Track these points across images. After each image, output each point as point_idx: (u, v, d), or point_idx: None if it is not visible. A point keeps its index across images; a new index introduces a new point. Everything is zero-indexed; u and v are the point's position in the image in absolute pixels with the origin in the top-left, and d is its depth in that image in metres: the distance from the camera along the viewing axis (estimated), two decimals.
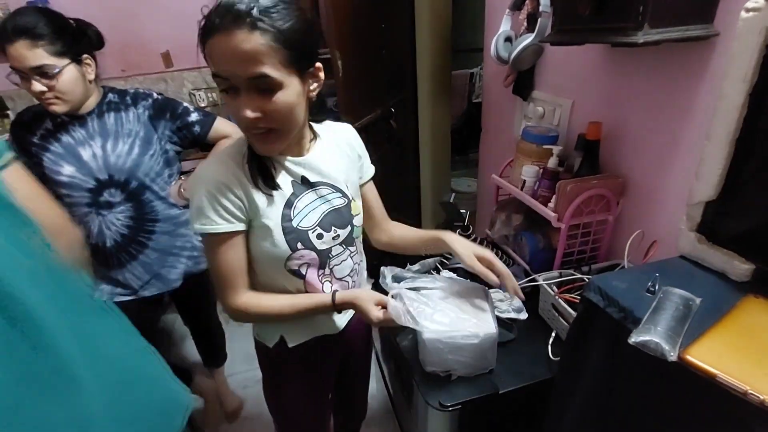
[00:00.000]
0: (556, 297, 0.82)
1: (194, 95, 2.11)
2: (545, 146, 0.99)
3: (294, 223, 0.70)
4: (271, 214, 0.69)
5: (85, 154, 1.11)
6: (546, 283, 0.85)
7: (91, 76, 1.09)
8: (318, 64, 0.64)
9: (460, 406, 0.70)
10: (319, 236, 0.73)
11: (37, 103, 1.09)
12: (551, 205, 0.91)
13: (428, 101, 2.03)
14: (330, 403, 1.04)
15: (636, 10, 0.64)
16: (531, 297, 0.93)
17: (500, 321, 0.84)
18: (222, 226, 0.66)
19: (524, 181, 1.00)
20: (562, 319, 0.82)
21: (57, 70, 0.98)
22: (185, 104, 1.25)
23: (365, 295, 0.73)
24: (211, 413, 1.68)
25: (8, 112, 1.98)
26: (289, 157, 0.70)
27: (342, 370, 1.02)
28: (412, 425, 0.87)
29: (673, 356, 0.46)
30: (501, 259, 1.05)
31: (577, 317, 0.65)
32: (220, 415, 1.70)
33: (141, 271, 1.26)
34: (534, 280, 0.90)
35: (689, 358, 0.46)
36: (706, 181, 0.60)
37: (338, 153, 0.78)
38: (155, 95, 1.20)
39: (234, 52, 0.54)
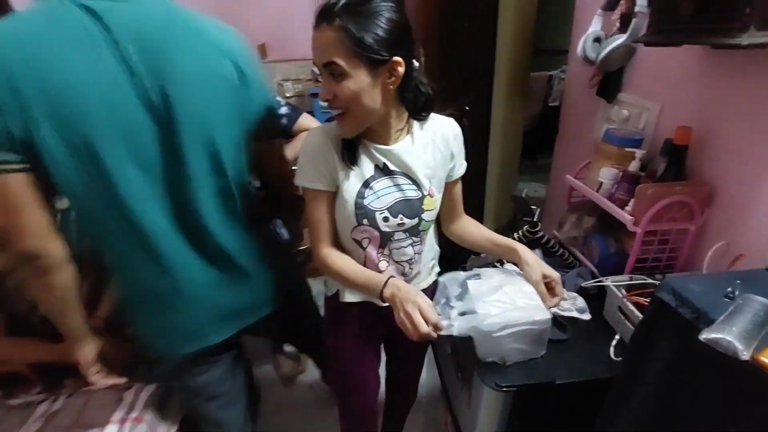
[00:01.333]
0: (624, 299, 0.81)
1: (282, 85, 2.29)
2: (627, 149, 0.97)
3: (365, 202, 0.78)
4: (349, 188, 0.77)
5: None
6: (614, 284, 0.85)
7: None
8: (396, 59, 0.68)
9: (515, 389, 0.73)
10: (385, 219, 0.79)
11: None
12: (628, 208, 0.90)
13: (503, 101, 2.02)
14: (377, 377, 1.09)
15: (741, 11, 0.62)
16: (595, 299, 0.93)
17: (555, 321, 0.86)
18: (313, 183, 0.78)
19: (601, 183, 0.99)
20: (628, 323, 0.81)
21: None
22: (278, 99, 1.39)
23: (419, 305, 0.72)
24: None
25: None
26: (375, 144, 0.78)
27: (393, 348, 1.08)
28: (464, 408, 0.90)
29: (745, 355, 0.46)
30: (567, 260, 1.06)
31: (646, 316, 0.65)
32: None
33: None
34: (601, 281, 0.89)
35: (764, 359, 0.46)
36: None
37: (430, 148, 0.81)
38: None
39: (317, 43, 0.66)
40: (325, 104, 0.71)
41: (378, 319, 0.92)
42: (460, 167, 0.89)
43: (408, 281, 0.87)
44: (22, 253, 0.68)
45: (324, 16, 0.64)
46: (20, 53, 0.59)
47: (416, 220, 0.82)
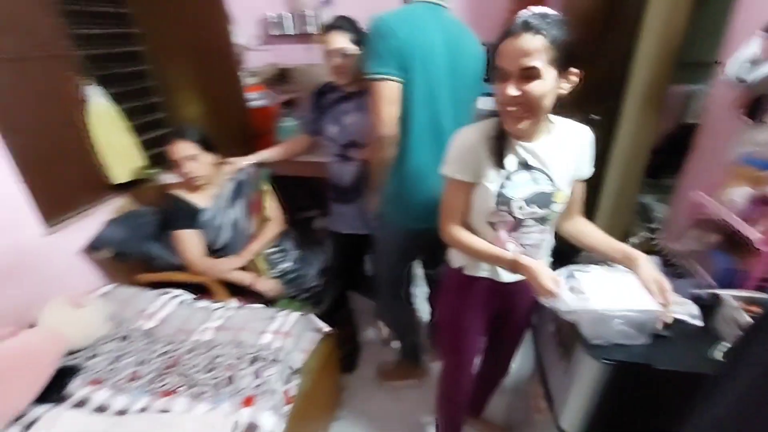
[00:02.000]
0: (740, 309, 0.86)
1: None
2: (766, 172, 0.99)
3: (505, 191, 0.92)
4: (493, 179, 0.92)
5: (346, 120, 1.57)
6: (729, 294, 0.90)
7: None
8: (574, 69, 0.83)
9: (615, 363, 0.85)
10: (520, 207, 0.93)
11: (329, 81, 1.59)
12: (759, 227, 0.93)
13: (634, 115, 1.99)
14: (479, 344, 1.26)
15: None
16: (707, 310, 0.97)
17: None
18: (455, 175, 0.95)
19: (733, 201, 1.02)
20: (740, 332, 0.86)
21: (350, 52, 1.42)
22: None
23: (543, 268, 0.86)
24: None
25: (289, 80, 2.74)
26: (520, 142, 0.91)
27: (499, 324, 1.23)
28: (561, 380, 1.02)
29: None
30: (680, 271, 1.10)
31: (757, 320, 0.72)
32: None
33: (354, 215, 1.71)
34: (717, 291, 0.94)
35: None
36: None
37: (566, 149, 0.92)
38: None
39: (516, 49, 0.79)
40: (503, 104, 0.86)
41: (492, 294, 1.08)
42: (587, 170, 1.00)
43: None
44: (381, 135, 1.22)
45: (526, 27, 0.78)
46: (406, 25, 1.15)
47: (547, 211, 0.94)
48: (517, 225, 0.96)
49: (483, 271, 1.06)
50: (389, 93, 1.18)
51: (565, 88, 0.84)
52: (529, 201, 0.93)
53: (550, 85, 0.80)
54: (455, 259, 1.13)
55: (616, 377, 0.87)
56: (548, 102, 0.83)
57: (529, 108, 0.82)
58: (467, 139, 0.93)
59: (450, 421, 1.46)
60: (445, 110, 1.27)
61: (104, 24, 1.64)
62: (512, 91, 0.81)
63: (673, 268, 1.11)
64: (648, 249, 1.12)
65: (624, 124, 2.01)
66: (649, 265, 0.87)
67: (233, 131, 1.93)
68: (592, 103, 1.76)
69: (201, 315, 1.49)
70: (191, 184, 1.58)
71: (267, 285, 1.61)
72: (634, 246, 1.10)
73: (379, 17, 1.16)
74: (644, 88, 1.90)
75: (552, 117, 0.92)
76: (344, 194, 1.69)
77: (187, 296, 1.62)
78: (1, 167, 1.31)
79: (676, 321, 0.95)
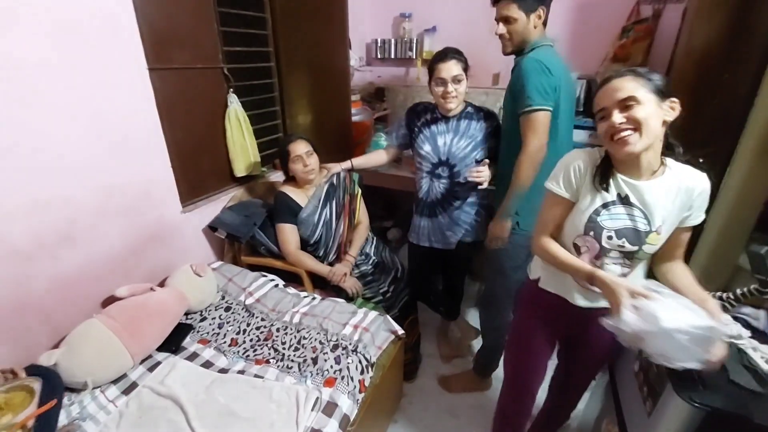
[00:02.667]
0: None
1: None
2: None
3: (599, 218, 0.96)
4: (589, 204, 0.97)
5: (440, 141, 1.67)
6: None
7: (466, 90, 1.62)
8: (674, 99, 0.88)
9: (708, 409, 0.82)
10: (609, 237, 0.96)
11: (426, 101, 1.71)
12: None
13: (747, 160, 1.84)
14: (544, 363, 1.26)
15: None
16: None
17: (754, 372, 0.90)
18: (557, 189, 1.02)
19: None
20: None
21: (462, 78, 1.54)
22: None
23: (621, 281, 0.88)
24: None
25: (384, 98, 2.96)
26: (625, 177, 0.94)
27: (571, 352, 1.22)
28: (642, 420, 1.00)
29: None
30: None
31: None
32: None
33: (434, 229, 1.79)
34: None
35: None
36: None
37: (673, 194, 0.93)
38: (499, 120, 1.65)
39: (614, 88, 0.88)
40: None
41: (563, 315, 1.10)
42: (697, 218, 0.97)
43: None
44: (538, 159, 1.39)
45: (617, 74, 0.90)
46: (554, 65, 1.37)
47: (636, 248, 0.96)
48: (600, 254, 0.99)
49: (559, 287, 1.08)
50: (547, 122, 1.38)
51: (670, 115, 0.88)
52: (620, 234, 0.96)
53: (651, 108, 0.85)
54: (534, 270, 1.17)
55: (708, 425, 0.84)
56: (654, 123, 0.86)
57: (637, 126, 0.86)
58: (576, 159, 1.00)
59: None
60: (570, 135, 1.57)
61: (246, 43, 1.95)
62: (618, 118, 0.86)
63: None
64: (757, 302, 1.06)
65: (737, 169, 1.87)
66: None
67: (336, 140, 2.14)
68: (704, 145, 1.67)
69: (291, 299, 1.67)
70: (306, 179, 1.79)
71: (350, 282, 1.75)
72: (741, 296, 1.06)
73: (536, 59, 1.36)
74: (764, 134, 1.76)
75: (667, 160, 0.94)
76: (428, 209, 1.79)
77: (280, 281, 1.82)
78: (159, 155, 1.61)
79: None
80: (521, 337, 1.26)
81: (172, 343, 1.45)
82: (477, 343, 2.21)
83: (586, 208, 0.97)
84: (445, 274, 2.09)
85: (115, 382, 1.28)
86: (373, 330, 1.51)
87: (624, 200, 0.95)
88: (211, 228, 1.85)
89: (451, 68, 1.54)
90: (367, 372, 1.38)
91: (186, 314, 1.60)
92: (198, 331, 1.55)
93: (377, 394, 1.46)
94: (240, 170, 1.93)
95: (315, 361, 1.37)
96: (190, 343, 1.49)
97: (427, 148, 1.70)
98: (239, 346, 1.48)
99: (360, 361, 1.38)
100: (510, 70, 1.50)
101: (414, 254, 1.99)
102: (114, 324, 1.29)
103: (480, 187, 1.59)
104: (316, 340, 1.45)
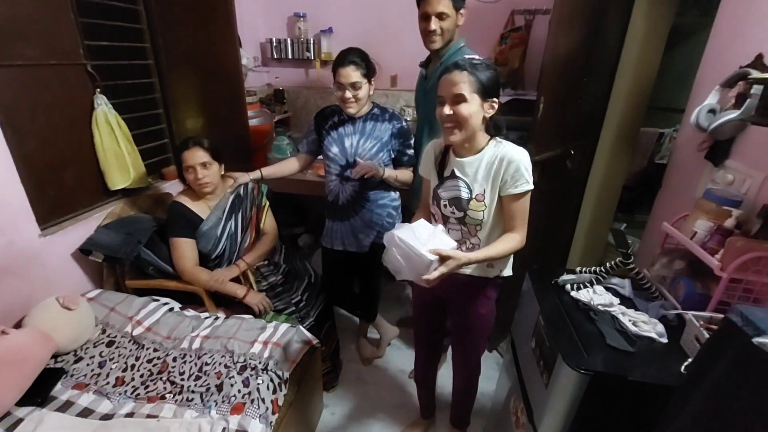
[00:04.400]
0: (701, 328, 0.95)
1: (404, 110, 2.66)
2: (726, 207, 1.11)
3: (438, 191, 1.19)
4: (434, 180, 1.21)
5: (347, 142, 1.66)
6: (692, 314, 0.99)
7: (370, 93, 1.62)
8: (494, 100, 1.07)
9: (591, 373, 0.92)
10: (445, 206, 1.18)
11: (334, 104, 1.68)
12: (717, 257, 1.04)
13: (607, 152, 2.15)
14: (435, 333, 1.57)
15: None
16: (675, 330, 1.06)
17: (625, 334, 1.04)
18: (423, 173, 1.28)
19: (695, 233, 1.13)
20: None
21: (361, 85, 1.53)
22: (413, 140, 1.72)
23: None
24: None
25: (284, 100, 2.85)
26: (454, 156, 1.15)
27: (453, 316, 1.40)
28: (541, 392, 1.08)
29: None
30: (654, 294, 1.20)
31: (714, 332, 0.80)
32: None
33: (347, 232, 1.78)
34: (682, 312, 1.04)
35: None
36: None
37: (490, 165, 1.09)
38: (404, 122, 1.69)
39: (451, 82, 1.03)
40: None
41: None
42: (514, 187, 1.08)
43: None
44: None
45: (456, 67, 1.04)
46: None
47: (462, 213, 1.15)
48: (444, 221, 1.20)
49: None
50: None
51: (489, 113, 1.07)
52: (450, 202, 1.17)
53: (474, 108, 1.04)
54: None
55: (594, 388, 0.94)
56: (475, 120, 1.05)
57: (460, 122, 1.05)
58: (429, 147, 1.25)
59: (418, 393, 1.72)
60: None
61: (117, 37, 1.71)
62: (447, 110, 1.05)
63: (645, 291, 1.21)
64: (623, 273, 1.22)
65: (599, 159, 2.17)
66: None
67: (233, 146, 1.98)
68: (573, 139, 1.90)
69: (190, 323, 1.50)
70: (201, 191, 1.62)
71: (256, 298, 1.64)
72: (610, 269, 1.20)
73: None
74: (618, 128, 2.07)
75: (495, 140, 1.12)
76: (339, 212, 1.76)
77: (175, 304, 1.63)
78: (3, 170, 1.33)
79: (647, 339, 1.04)
80: (414, 307, 1.52)
81: (37, 395, 1.20)
82: (396, 342, 2.24)
83: (433, 183, 1.21)
84: (361, 276, 2.08)
85: None
86: (285, 344, 1.42)
87: (452, 175, 1.15)
88: (84, 251, 1.58)
89: (349, 74, 1.52)
90: (281, 390, 1.30)
91: (54, 357, 1.35)
92: (72, 375, 1.31)
93: (294, 411, 1.38)
94: (116, 182, 1.68)
95: (220, 387, 1.24)
96: (61, 390, 1.25)
97: (335, 150, 1.67)
98: (126, 385, 1.28)
99: (272, 380, 1.29)
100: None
101: (328, 259, 1.94)
102: None
103: (380, 181, 1.63)
104: (220, 364, 1.32)
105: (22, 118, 1.37)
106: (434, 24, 1.48)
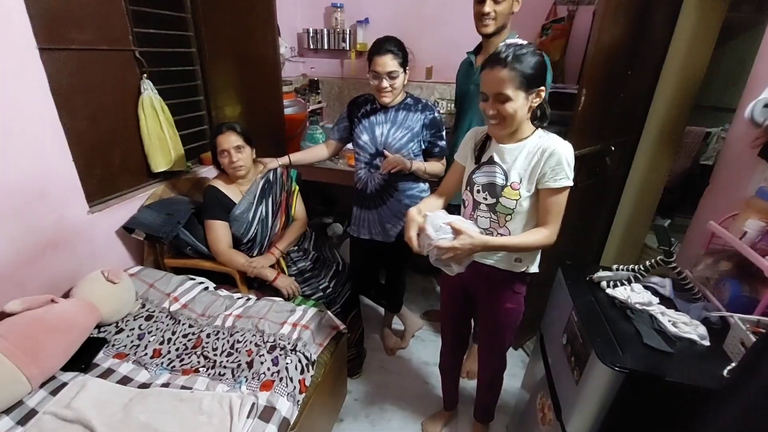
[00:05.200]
0: (747, 331, 0.90)
1: (438, 102, 2.64)
2: None
3: (473, 176, 1.15)
4: (471, 165, 1.18)
5: (378, 131, 1.66)
6: (738, 317, 0.94)
7: (405, 82, 1.62)
8: (541, 88, 1.02)
9: (627, 371, 0.89)
10: (478, 191, 1.15)
11: (368, 93, 1.69)
12: None
13: (649, 150, 2.06)
14: (462, 328, 1.55)
15: None
16: (717, 333, 1.02)
17: (664, 335, 1.00)
18: (456, 156, 1.25)
19: (745, 233, 1.07)
20: None
21: (397, 74, 1.53)
22: (445, 131, 1.70)
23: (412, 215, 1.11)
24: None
25: (319, 91, 2.88)
26: (495, 142, 1.12)
27: (480, 311, 1.40)
28: (571, 389, 1.06)
29: None
30: (696, 295, 1.15)
31: (762, 336, 0.76)
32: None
33: (374, 221, 1.78)
34: (727, 315, 0.99)
35: None
36: None
37: (531, 155, 1.07)
38: (436, 113, 1.67)
39: (493, 80, 0.99)
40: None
41: (461, 277, 1.22)
42: (553, 181, 1.05)
43: None
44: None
45: (498, 61, 0.99)
46: None
47: (494, 200, 1.11)
48: (474, 206, 1.17)
49: None
50: None
51: (535, 102, 1.03)
52: (483, 188, 1.13)
53: (519, 103, 1.00)
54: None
55: (628, 386, 0.91)
56: (520, 114, 1.02)
57: (504, 119, 1.03)
58: (469, 135, 1.22)
59: (442, 383, 1.73)
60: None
61: (163, 25, 1.78)
62: (491, 110, 1.03)
63: (686, 292, 1.16)
64: (663, 272, 1.17)
65: (640, 157, 2.08)
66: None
67: (268, 134, 2.03)
68: (614, 135, 1.83)
69: (223, 302, 1.56)
70: (235, 175, 1.67)
71: (286, 282, 1.68)
72: (650, 267, 1.16)
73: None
74: (661, 126, 1.98)
75: (539, 130, 1.09)
76: (367, 201, 1.77)
77: (210, 284, 1.69)
78: (56, 148, 1.41)
79: (687, 341, 1.00)
80: (442, 299, 1.50)
81: (81, 361, 1.28)
82: (420, 334, 2.24)
83: (469, 168, 1.18)
84: (387, 266, 2.09)
85: (7, 411, 1.10)
86: (313, 327, 1.45)
87: (490, 160, 1.12)
88: (127, 229, 1.66)
89: (386, 63, 1.51)
90: (308, 371, 1.33)
91: (98, 327, 1.43)
92: (113, 345, 1.38)
93: (319, 394, 1.41)
94: (159, 165, 1.76)
95: (250, 364, 1.28)
96: (103, 359, 1.32)
97: (365, 138, 1.67)
98: (163, 357, 1.34)
99: (300, 360, 1.32)
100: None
101: (355, 247, 1.96)
102: (4, 344, 1.10)
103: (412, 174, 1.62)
104: (251, 342, 1.36)
105: (74, 100, 1.45)
106: (488, 6, 1.43)
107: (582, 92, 1.55)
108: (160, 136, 1.73)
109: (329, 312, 1.56)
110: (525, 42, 1.02)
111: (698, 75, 1.90)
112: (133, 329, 1.45)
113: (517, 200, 1.08)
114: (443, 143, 1.69)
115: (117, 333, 1.43)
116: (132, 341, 1.40)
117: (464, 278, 1.17)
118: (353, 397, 1.86)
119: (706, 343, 0.99)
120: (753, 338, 0.89)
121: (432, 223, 1.05)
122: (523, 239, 1.09)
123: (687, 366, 0.92)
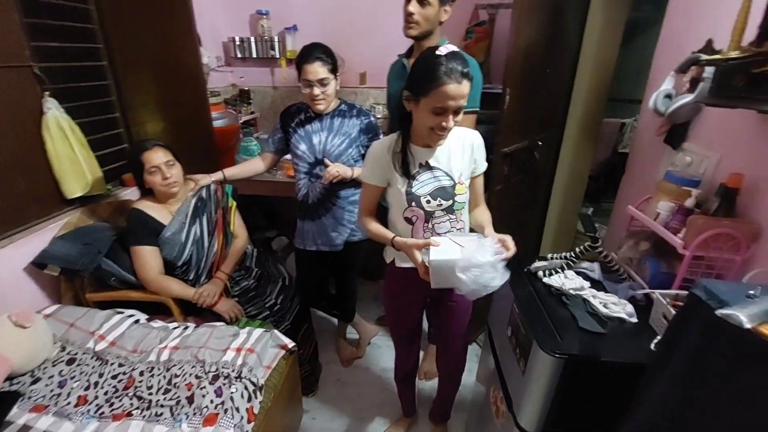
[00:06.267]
0: (668, 305, 0.97)
1: (374, 107, 2.65)
2: (685, 188, 1.15)
3: (413, 189, 1.11)
4: (401, 182, 1.12)
5: (315, 139, 1.62)
6: (659, 293, 1.01)
7: (337, 88, 1.59)
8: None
9: (566, 357, 0.92)
10: (428, 201, 1.12)
11: (300, 101, 1.64)
12: (680, 235, 1.07)
13: (572, 143, 2.21)
14: (415, 327, 1.48)
15: None
16: (643, 310, 1.09)
17: (597, 317, 1.06)
18: (370, 180, 1.16)
19: (658, 214, 1.16)
20: None
21: (329, 81, 1.50)
22: (382, 135, 1.69)
23: (411, 242, 1.05)
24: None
25: (250, 101, 2.78)
26: (420, 147, 1.11)
27: (432, 313, 1.42)
28: (518, 379, 1.09)
29: (747, 325, 0.64)
30: (622, 276, 1.23)
31: (681, 308, 0.82)
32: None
33: (319, 231, 1.74)
34: (650, 291, 1.06)
35: (762, 329, 0.63)
36: None
37: (460, 150, 1.13)
38: (372, 117, 1.66)
39: (460, 94, 0.97)
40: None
41: (417, 281, 1.13)
42: (481, 166, 1.19)
43: None
44: None
45: (464, 76, 0.98)
46: None
47: (450, 202, 1.13)
48: (428, 217, 1.14)
49: (406, 262, 1.15)
50: None
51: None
52: (433, 195, 1.12)
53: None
54: (388, 254, 1.27)
55: (569, 371, 0.94)
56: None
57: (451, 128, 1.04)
58: (377, 150, 1.14)
59: (400, 392, 1.68)
60: None
61: (67, 38, 1.62)
62: (450, 123, 1.02)
63: (613, 273, 1.23)
64: (592, 257, 1.24)
65: (565, 150, 2.22)
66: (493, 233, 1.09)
67: (198, 149, 1.91)
68: (540, 130, 1.93)
69: (158, 334, 1.43)
70: (168, 193, 1.54)
71: (227, 305, 1.58)
72: (579, 254, 1.22)
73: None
74: (581, 119, 2.13)
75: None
76: (310, 211, 1.72)
77: (141, 316, 1.55)
78: None
79: (617, 320, 1.06)
80: (391, 306, 1.44)
81: None
82: (376, 341, 2.22)
83: (401, 185, 1.12)
84: (336, 276, 2.04)
85: None
86: (259, 349, 1.37)
87: (426, 166, 1.12)
88: (38, 265, 1.48)
89: (316, 71, 1.48)
90: (255, 397, 1.25)
91: (9, 379, 1.25)
92: (29, 398, 1.22)
93: (271, 419, 1.33)
94: (73, 190, 1.59)
95: (191, 399, 1.18)
96: (18, 414, 1.16)
97: (303, 147, 1.63)
98: (90, 404, 1.21)
99: (246, 387, 1.24)
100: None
101: (302, 260, 1.90)
102: None
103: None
104: (191, 375, 1.26)
105: None
106: (412, 6, 1.39)
107: (506, 91, 1.62)
108: (72, 159, 1.57)
109: (276, 330, 1.49)
110: (457, 49, 1.02)
111: (609, 70, 2.06)
112: (52, 377, 1.29)
113: (465, 194, 1.15)
114: None
115: (33, 383, 1.26)
116: (52, 390, 1.25)
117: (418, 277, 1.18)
118: (311, 416, 1.79)
119: (634, 320, 1.06)
120: (673, 311, 0.96)
121: (470, 260, 0.94)
122: (490, 221, 1.19)
123: (619, 344, 0.98)
